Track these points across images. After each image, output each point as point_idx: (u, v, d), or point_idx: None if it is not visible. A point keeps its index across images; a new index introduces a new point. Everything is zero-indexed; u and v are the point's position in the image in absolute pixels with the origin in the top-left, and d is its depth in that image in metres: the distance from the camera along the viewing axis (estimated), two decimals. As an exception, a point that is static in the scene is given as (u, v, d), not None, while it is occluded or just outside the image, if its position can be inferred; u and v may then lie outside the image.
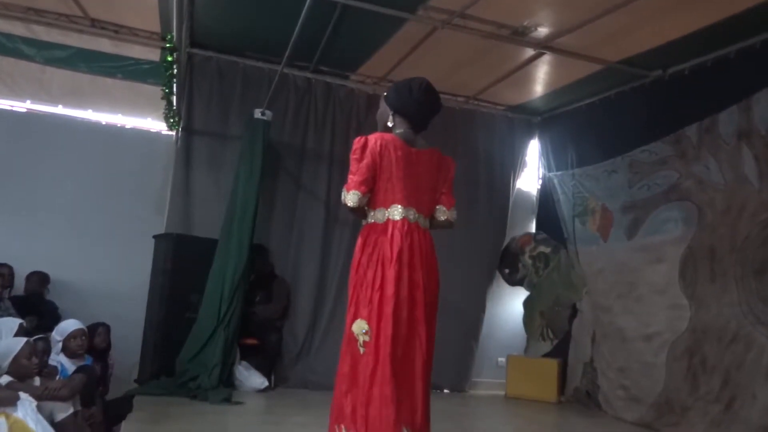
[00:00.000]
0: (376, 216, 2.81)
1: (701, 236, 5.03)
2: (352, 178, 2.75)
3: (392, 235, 2.74)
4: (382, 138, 2.81)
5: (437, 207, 2.94)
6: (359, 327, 2.67)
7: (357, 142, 2.81)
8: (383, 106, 2.99)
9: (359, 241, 2.83)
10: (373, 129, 3.05)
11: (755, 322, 4.47)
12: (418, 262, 2.76)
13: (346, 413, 2.64)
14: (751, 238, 4.59)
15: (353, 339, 2.68)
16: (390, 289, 2.67)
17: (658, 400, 5.12)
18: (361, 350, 2.65)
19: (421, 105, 2.93)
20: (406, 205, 2.79)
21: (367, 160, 2.75)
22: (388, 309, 2.65)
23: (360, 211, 2.83)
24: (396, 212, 2.78)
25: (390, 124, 2.93)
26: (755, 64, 4.76)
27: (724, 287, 4.75)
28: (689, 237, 5.13)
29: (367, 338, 2.65)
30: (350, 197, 2.73)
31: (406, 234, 2.75)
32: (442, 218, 2.94)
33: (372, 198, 2.80)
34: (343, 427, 2.65)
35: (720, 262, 4.82)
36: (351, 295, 2.77)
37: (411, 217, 2.79)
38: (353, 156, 2.80)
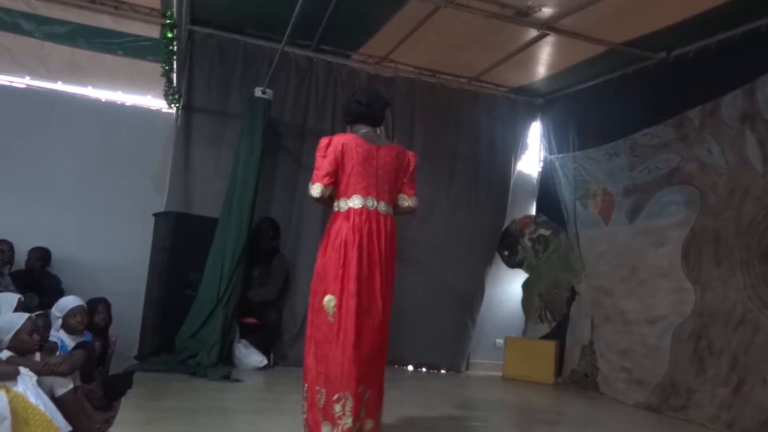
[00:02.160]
0: (340, 205, 3.19)
1: (704, 220, 5.03)
2: (317, 173, 3.14)
3: (353, 221, 3.13)
4: (345, 137, 3.22)
5: (399, 195, 3.34)
6: (329, 300, 3.06)
7: (323, 141, 3.20)
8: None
9: (327, 226, 3.22)
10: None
11: (762, 307, 4.48)
12: (375, 244, 3.14)
13: (315, 372, 3.05)
14: (756, 222, 4.59)
15: (324, 311, 3.06)
16: (353, 269, 3.06)
17: (662, 382, 5.16)
18: (331, 320, 3.05)
19: (363, 106, 3.32)
20: (365, 195, 3.17)
21: (329, 156, 3.14)
22: (352, 285, 3.04)
23: (325, 201, 3.21)
24: (356, 201, 3.16)
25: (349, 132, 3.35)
26: (761, 47, 4.72)
27: (730, 271, 4.76)
28: (691, 221, 5.13)
29: (335, 310, 3.05)
30: (314, 189, 3.13)
31: (364, 220, 3.14)
32: (404, 205, 3.35)
33: (336, 189, 3.20)
34: (307, 383, 3.07)
35: (725, 246, 4.82)
36: (321, 272, 3.12)
37: (369, 204, 3.17)
38: (318, 153, 3.18)
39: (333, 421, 2.95)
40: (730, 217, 4.80)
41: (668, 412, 4.96)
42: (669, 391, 5.08)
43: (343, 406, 2.96)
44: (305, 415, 3.07)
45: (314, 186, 3.13)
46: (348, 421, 2.96)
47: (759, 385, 4.38)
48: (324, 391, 2.99)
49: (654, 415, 4.99)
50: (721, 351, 4.73)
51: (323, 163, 3.14)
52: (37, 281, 5.12)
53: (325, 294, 3.07)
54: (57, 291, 5.00)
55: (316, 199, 3.17)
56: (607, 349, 5.83)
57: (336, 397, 2.96)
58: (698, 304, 5.00)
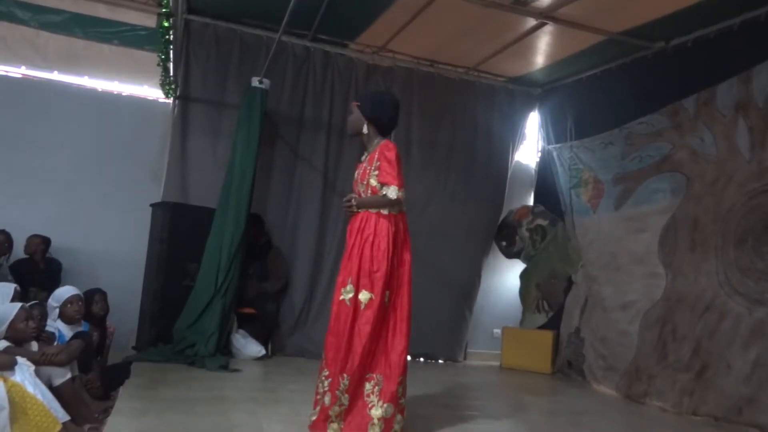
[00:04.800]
0: (399, 208, 3.36)
1: (686, 206, 5.05)
2: (401, 180, 3.29)
3: (406, 225, 3.40)
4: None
5: None
6: (387, 296, 3.23)
7: (394, 149, 3.34)
8: (357, 113, 3.47)
9: (390, 227, 3.28)
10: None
11: (731, 292, 4.51)
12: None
13: (374, 363, 3.19)
14: (736, 208, 4.61)
15: (382, 305, 3.20)
16: (407, 267, 3.33)
17: (629, 368, 5.21)
18: (387, 314, 3.26)
19: (392, 120, 3.50)
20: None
21: (401, 166, 3.34)
22: (407, 280, 3.31)
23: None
24: (403, 206, 3.38)
25: (365, 131, 3.44)
26: (758, 36, 4.71)
27: (703, 256, 4.79)
28: (674, 207, 5.15)
29: (389, 304, 3.25)
30: (401, 194, 3.28)
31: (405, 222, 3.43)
32: None
33: None
34: (350, 375, 3.14)
35: (702, 231, 4.85)
36: (386, 268, 3.21)
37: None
38: (396, 160, 3.30)
39: (395, 402, 3.18)
40: (711, 204, 4.81)
41: (634, 398, 5.02)
42: (633, 377, 5.12)
43: (404, 388, 3.25)
44: (375, 404, 3.14)
45: (401, 191, 3.29)
46: (404, 401, 3.27)
47: (723, 371, 4.41)
48: (380, 377, 3.19)
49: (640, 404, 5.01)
50: (684, 336, 4.76)
51: (401, 171, 3.31)
52: (37, 268, 5.11)
53: (386, 288, 3.23)
54: (57, 279, 5.02)
55: (396, 203, 3.29)
56: (593, 337, 5.87)
57: (399, 380, 3.20)
58: (668, 289, 5.03)
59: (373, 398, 3.16)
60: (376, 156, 3.36)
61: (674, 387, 4.69)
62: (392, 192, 3.25)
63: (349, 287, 3.21)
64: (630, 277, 5.43)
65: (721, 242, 4.66)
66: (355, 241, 3.29)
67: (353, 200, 3.37)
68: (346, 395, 3.13)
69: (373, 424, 3.11)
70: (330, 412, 3.13)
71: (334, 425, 3.12)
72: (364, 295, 3.19)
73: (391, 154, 3.30)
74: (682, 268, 4.95)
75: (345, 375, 3.14)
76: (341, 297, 3.23)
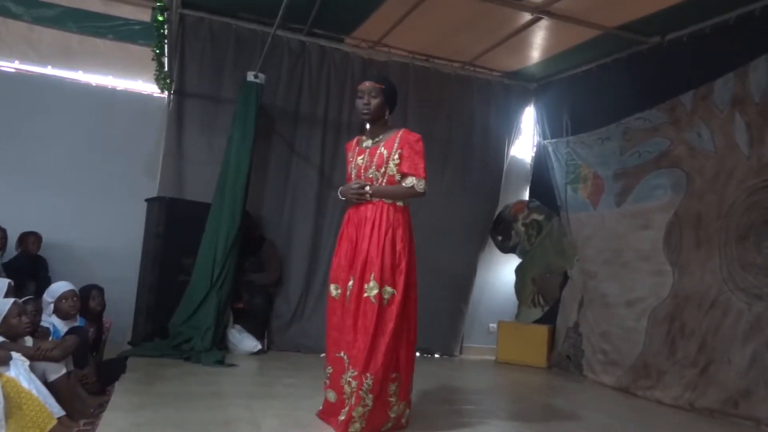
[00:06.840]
0: (407, 201, 3.31)
1: (688, 203, 5.06)
2: (426, 172, 3.20)
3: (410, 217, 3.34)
4: None
5: None
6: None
7: (421, 139, 3.24)
8: (383, 97, 3.30)
9: (406, 223, 3.23)
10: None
11: (734, 288, 4.54)
12: None
13: (396, 360, 3.15)
14: (737, 205, 4.62)
15: (403, 300, 3.12)
16: (414, 261, 3.26)
17: (635, 363, 5.23)
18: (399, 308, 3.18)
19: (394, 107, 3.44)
20: None
21: None
22: (415, 272, 3.28)
23: None
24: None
25: (387, 117, 3.35)
26: (754, 30, 4.71)
27: (708, 254, 4.80)
28: (677, 203, 5.15)
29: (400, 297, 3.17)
30: (427, 185, 3.22)
31: None
32: None
33: None
34: (373, 375, 3.06)
35: (706, 228, 4.86)
36: (406, 263, 3.14)
37: None
38: (423, 150, 3.20)
39: (407, 398, 3.23)
40: (713, 200, 4.83)
41: (639, 393, 5.04)
42: (641, 372, 5.15)
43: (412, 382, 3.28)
44: (369, 404, 3.05)
45: (426, 182, 3.21)
46: (411, 395, 3.31)
47: (724, 366, 4.45)
48: (401, 376, 3.17)
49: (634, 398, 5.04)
50: (692, 333, 4.78)
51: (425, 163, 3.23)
52: (35, 265, 5.11)
53: (409, 283, 3.19)
54: (46, 275, 5.01)
55: (420, 196, 3.22)
56: (590, 331, 5.89)
57: (411, 375, 3.23)
58: (675, 286, 5.04)
59: (393, 398, 3.14)
60: (396, 144, 3.21)
61: (681, 382, 4.73)
62: (420, 184, 3.16)
63: (372, 283, 3.07)
64: (636, 274, 5.44)
65: (724, 239, 4.68)
66: (372, 234, 3.12)
67: (368, 188, 3.18)
68: (370, 395, 3.03)
69: (388, 422, 3.14)
70: (354, 413, 3.02)
71: (356, 425, 3.03)
72: (387, 291, 3.08)
73: (420, 146, 3.20)
74: (688, 265, 4.96)
75: (369, 374, 3.02)
76: (365, 294, 3.07)
